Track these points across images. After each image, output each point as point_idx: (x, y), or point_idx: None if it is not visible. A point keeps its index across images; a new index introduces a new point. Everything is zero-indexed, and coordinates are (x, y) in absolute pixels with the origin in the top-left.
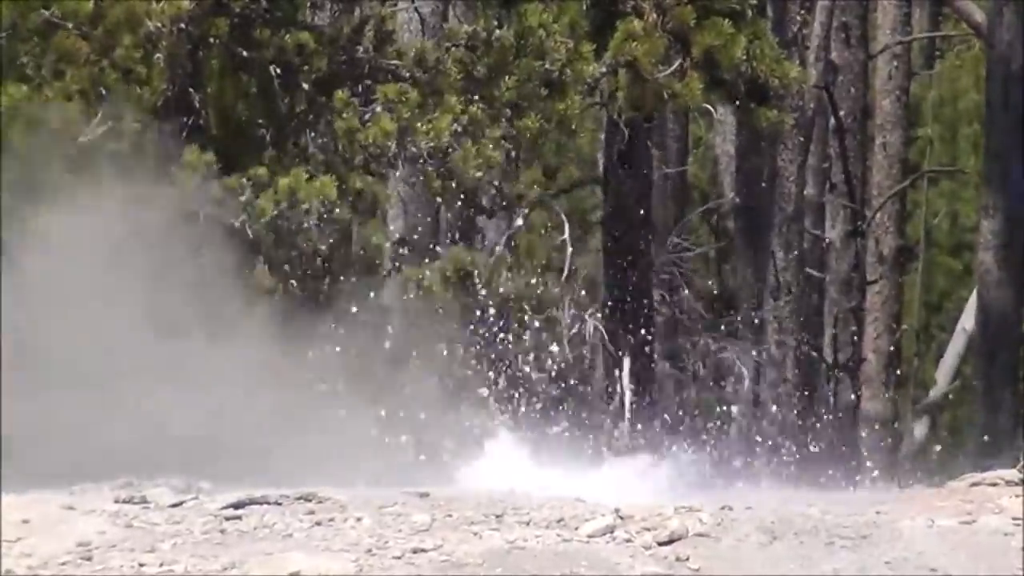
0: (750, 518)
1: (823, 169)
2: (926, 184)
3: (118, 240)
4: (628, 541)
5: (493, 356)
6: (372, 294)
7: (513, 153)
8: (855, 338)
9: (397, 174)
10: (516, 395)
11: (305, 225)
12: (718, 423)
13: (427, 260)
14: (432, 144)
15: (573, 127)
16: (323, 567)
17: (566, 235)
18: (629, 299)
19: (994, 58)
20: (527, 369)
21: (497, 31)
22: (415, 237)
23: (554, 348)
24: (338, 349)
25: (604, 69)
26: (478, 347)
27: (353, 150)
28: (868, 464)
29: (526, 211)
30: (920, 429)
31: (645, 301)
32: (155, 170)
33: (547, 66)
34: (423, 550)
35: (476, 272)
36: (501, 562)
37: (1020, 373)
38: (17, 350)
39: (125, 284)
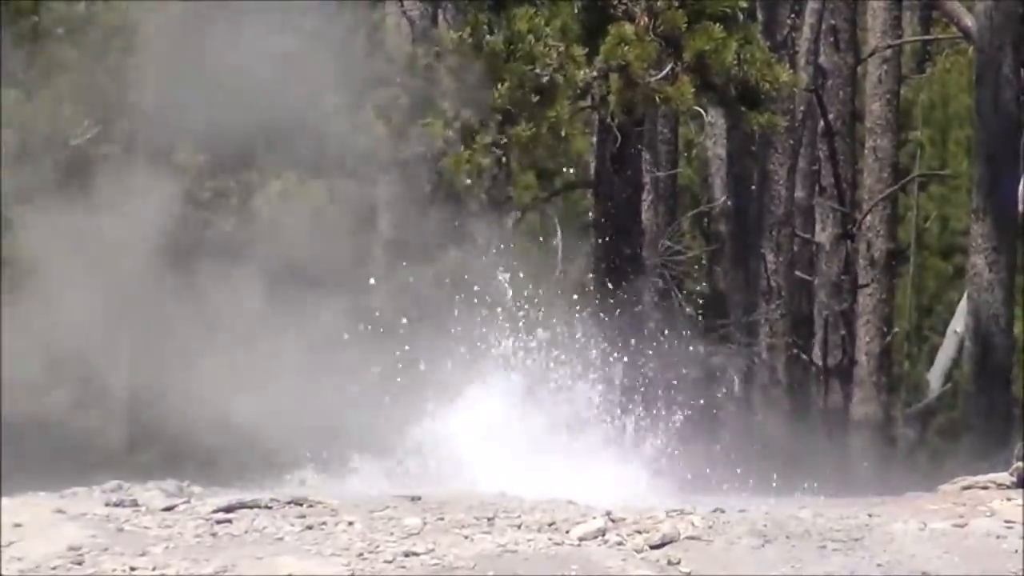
0: (742, 521)
1: (813, 172)
2: (916, 188)
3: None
4: (620, 544)
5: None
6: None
7: (504, 158)
8: (845, 341)
9: (388, 178)
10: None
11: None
12: (709, 426)
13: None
14: (423, 149)
15: (563, 133)
16: (314, 571)
17: (558, 238)
18: (620, 302)
19: (984, 62)
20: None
21: (488, 36)
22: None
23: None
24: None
25: (596, 73)
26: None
27: (345, 154)
28: (860, 467)
29: (518, 214)
30: (912, 432)
31: (636, 304)
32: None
33: (538, 71)
34: (414, 553)
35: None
36: (492, 565)
37: (1011, 376)
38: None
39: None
